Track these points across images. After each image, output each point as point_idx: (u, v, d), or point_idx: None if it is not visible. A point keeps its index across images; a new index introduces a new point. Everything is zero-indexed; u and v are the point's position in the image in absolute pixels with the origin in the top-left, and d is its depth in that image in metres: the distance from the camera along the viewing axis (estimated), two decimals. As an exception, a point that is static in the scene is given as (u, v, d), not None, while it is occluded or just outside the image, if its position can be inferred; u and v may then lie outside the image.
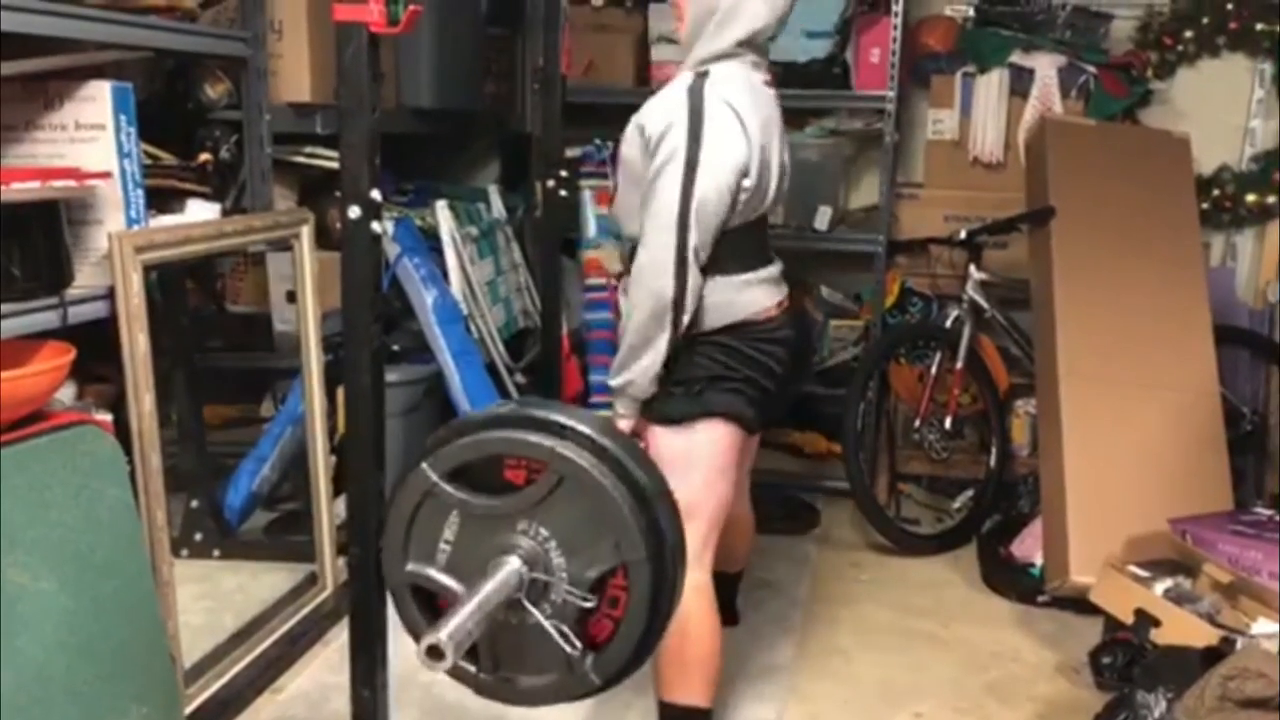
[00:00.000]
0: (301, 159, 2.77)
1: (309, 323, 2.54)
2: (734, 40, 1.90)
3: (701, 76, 1.89)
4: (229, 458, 3.09)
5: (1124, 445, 2.87)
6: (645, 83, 3.66)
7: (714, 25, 1.90)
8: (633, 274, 1.92)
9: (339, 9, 1.59)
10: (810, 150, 3.60)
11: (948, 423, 3.30)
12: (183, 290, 2.83)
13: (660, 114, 1.88)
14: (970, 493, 3.35)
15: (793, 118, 3.68)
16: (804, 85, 3.48)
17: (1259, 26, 3.59)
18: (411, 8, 1.63)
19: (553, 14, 2.71)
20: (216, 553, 2.85)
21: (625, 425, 1.94)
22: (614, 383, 1.95)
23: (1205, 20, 3.61)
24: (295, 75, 2.54)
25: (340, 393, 2.76)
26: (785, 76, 3.55)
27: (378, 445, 1.68)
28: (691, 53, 1.94)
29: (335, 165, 2.80)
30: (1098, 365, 2.95)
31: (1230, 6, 3.60)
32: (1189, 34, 3.63)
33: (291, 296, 3.52)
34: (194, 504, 2.85)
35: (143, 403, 1.98)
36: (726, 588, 2.41)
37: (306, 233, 2.53)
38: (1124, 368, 2.96)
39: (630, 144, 1.96)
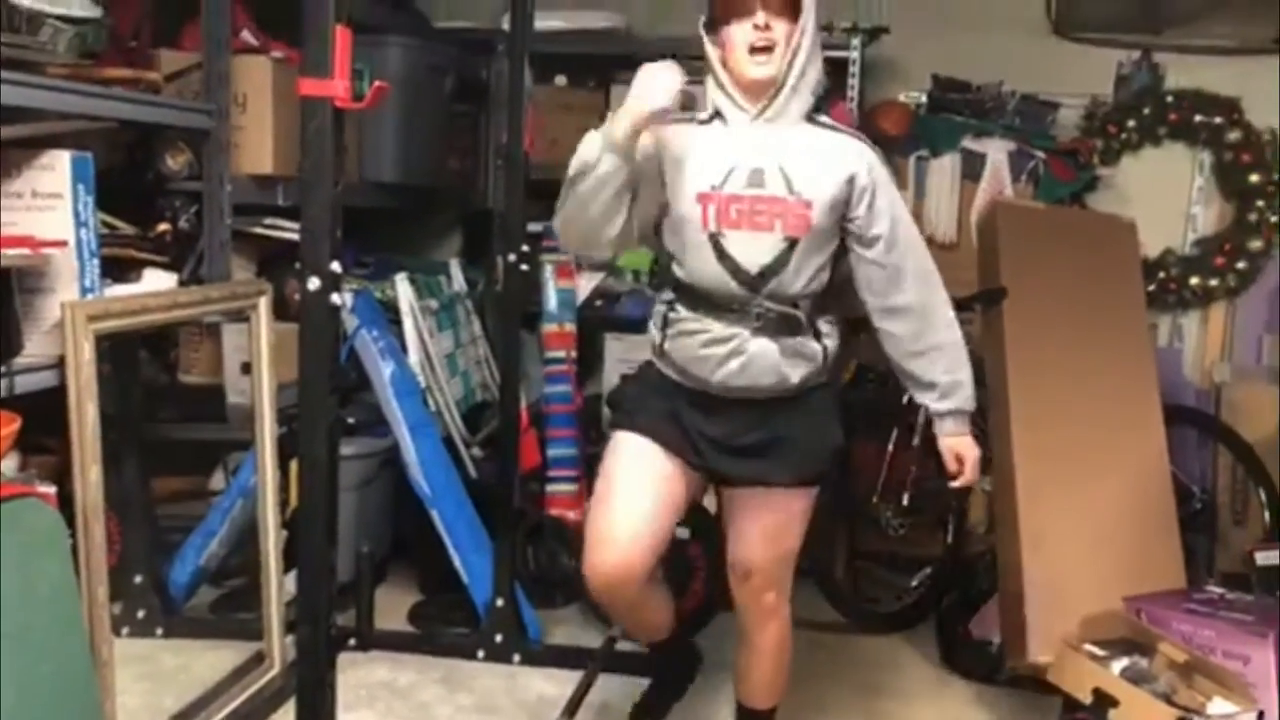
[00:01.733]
0: (261, 230, 2.78)
1: (264, 394, 2.51)
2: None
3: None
4: (175, 532, 3.02)
5: (1079, 524, 2.89)
6: (607, 160, 3.73)
7: (818, 79, 1.96)
8: (943, 301, 2.04)
9: (304, 84, 1.61)
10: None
11: (905, 499, 3.32)
12: (135, 361, 2.80)
13: (864, 162, 1.95)
14: (928, 570, 3.35)
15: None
16: (764, 166, 3.59)
17: (1196, 118, 3.75)
18: (377, 85, 1.66)
19: (517, 93, 2.77)
20: (160, 630, 2.77)
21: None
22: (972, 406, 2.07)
23: (1146, 111, 3.77)
24: (258, 147, 2.55)
25: (294, 466, 2.74)
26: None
27: (331, 519, 1.66)
28: (809, 95, 1.96)
29: (296, 237, 2.82)
30: (1051, 444, 2.98)
31: (1169, 99, 3.77)
32: (1131, 123, 3.78)
33: (246, 368, 3.50)
34: (137, 580, 2.77)
35: (89, 475, 1.94)
36: None
37: (264, 304, 2.52)
38: (1077, 447, 3.00)
39: (828, 197, 1.94)
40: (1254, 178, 3.73)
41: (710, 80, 1.96)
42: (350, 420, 3.07)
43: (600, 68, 3.74)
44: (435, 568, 3.09)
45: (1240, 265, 3.77)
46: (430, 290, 3.46)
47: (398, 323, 3.22)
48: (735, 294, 1.93)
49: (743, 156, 1.91)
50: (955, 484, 2.10)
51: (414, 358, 3.19)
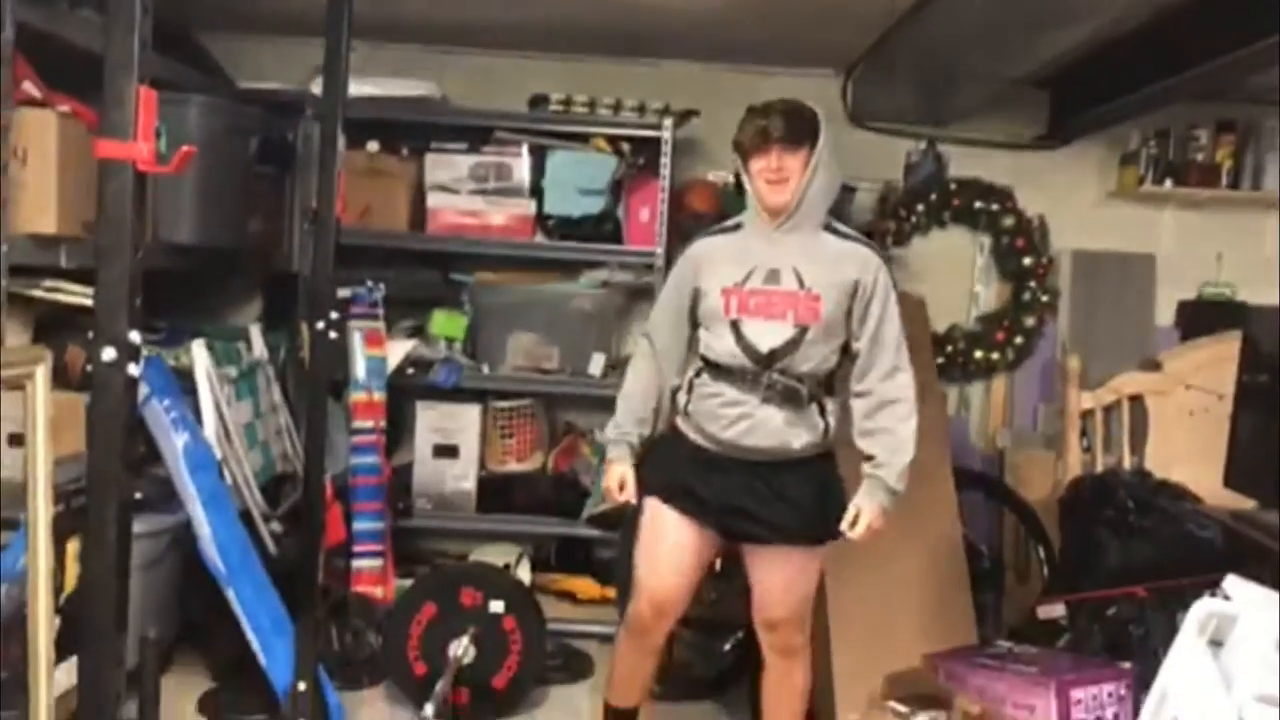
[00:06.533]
0: (40, 293, 2.62)
1: (39, 469, 2.34)
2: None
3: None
4: (-74, 625, 2.74)
5: (879, 587, 3.07)
6: (421, 227, 3.74)
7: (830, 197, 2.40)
8: (905, 397, 2.41)
9: (102, 145, 1.56)
10: (584, 300, 3.77)
11: (717, 565, 3.41)
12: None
13: (870, 268, 2.37)
14: (740, 634, 3.45)
15: (567, 268, 3.87)
16: (579, 238, 3.71)
17: (976, 204, 4.14)
18: (185, 149, 1.63)
19: (329, 157, 2.74)
20: (-96, 738, 2.49)
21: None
22: (903, 487, 2.40)
23: (932, 196, 4.12)
24: (40, 205, 2.41)
25: (70, 547, 2.56)
26: (561, 229, 3.75)
27: (121, 604, 1.57)
28: (823, 209, 2.39)
29: (79, 300, 2.68)
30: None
31: (952, 186, 4.14)
32: (920, 207, 4.13)
33: (14, 440, 3.26)
34: (-121, 681, 2.50)
35: None
36: None
37: (42, 373, 2.35)
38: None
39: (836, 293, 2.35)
40: (1026, 260, 4.14)
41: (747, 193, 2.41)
42: (138, 495, 2.89)
43: (414, 135, 3.77)
44: (227, 650, 2.94)
45: (1018, 340, 4.17)
46: (228, 357, 3.34)
47: (192, 391, 3.09)
48: (748, 368, 2.35)
49: (763, 259, 2.36)
50: (850, 534, 2.41)
51: (210, 428, 3.06)
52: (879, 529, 2.40)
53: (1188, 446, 3.78)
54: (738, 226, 2.47)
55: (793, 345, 2.34)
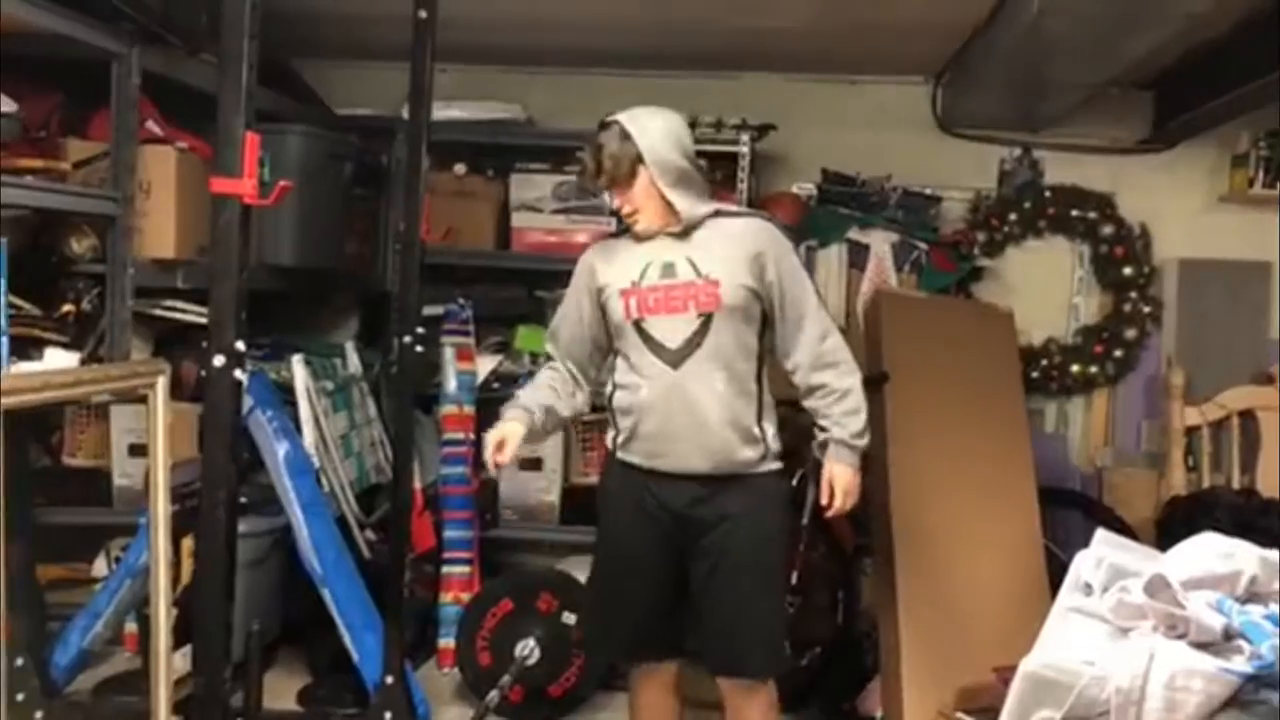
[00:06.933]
0: (160, 312, 3.08)
1: (160, 470, 2.79)
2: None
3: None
4: (52, 620, 3.23)
5: (955, 599, 3.29)
6: (506, 246, 4.13)
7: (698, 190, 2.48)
8: (842, 358, 2.52)
9: (216, 182, 1.98)
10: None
11: (794, 579, 3.68)
12: (26, 444, 3.05)
13: (765, 236, 2.48)
14: (818, 649, 3.70)
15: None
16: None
17: (1074, 213, 4.30)
18: (281, 184, 2.03)
19: (414, 181, 3.15)
20: (39, 715, 2.96)
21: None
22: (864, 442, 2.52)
23: (1027, 205, 4.31)
24: (161, 233, 2.88)
25: (185, 544, 3.01)
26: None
27: (229, 592, 1.95)
28: (692, 205, 2.46)
29: (194, 319, 3.14)
30: (930, 524, 3.39)
31: (1048, 194, 4.31)
32: (1013, 216, 4.32)
33: (135, 450, 3.76)
34: (19, 663, 2.98)
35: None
36: None
37: (162, 383, 2.80)
38: (954, 526, 3.42)
39: (735, 273, 2.44)
40: (1127, 270, 4.28)
41: None
42: (242, 499, 3.34)
43: (499, 156, 4.16)
44: (325, 649, 3.36)
45: (1118, 354, 4.30)
46: (326, 372, 3.78)
47: (293, 404, 3.53)
48: (662, 370, 2.43)
49: (656, 254, 2.47)
50: (828, 513, 2.55)
51: (308, 438, 3.49)
52: (855, 486, 2.53)
53: (1304, 465, 3.87)
54: (628, 229, 2.55)
55: (699, 336, 2.42)
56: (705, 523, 2.48)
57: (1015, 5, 3.15)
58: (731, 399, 2.44)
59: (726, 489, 2.47)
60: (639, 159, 2.40)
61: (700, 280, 2.42)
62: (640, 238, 2.50)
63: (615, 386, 2.55)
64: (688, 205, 2.44)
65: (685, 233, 2.47)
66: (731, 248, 2.45)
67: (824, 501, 2.54)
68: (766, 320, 2.51)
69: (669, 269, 2.45)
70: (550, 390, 2.62)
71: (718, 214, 2.51)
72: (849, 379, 2.53)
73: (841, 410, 2.51)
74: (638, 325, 2.46)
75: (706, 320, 2.42)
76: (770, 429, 2.52)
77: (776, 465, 2.55)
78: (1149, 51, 3.37)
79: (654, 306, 2.44)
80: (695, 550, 2.50)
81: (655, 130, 2.42)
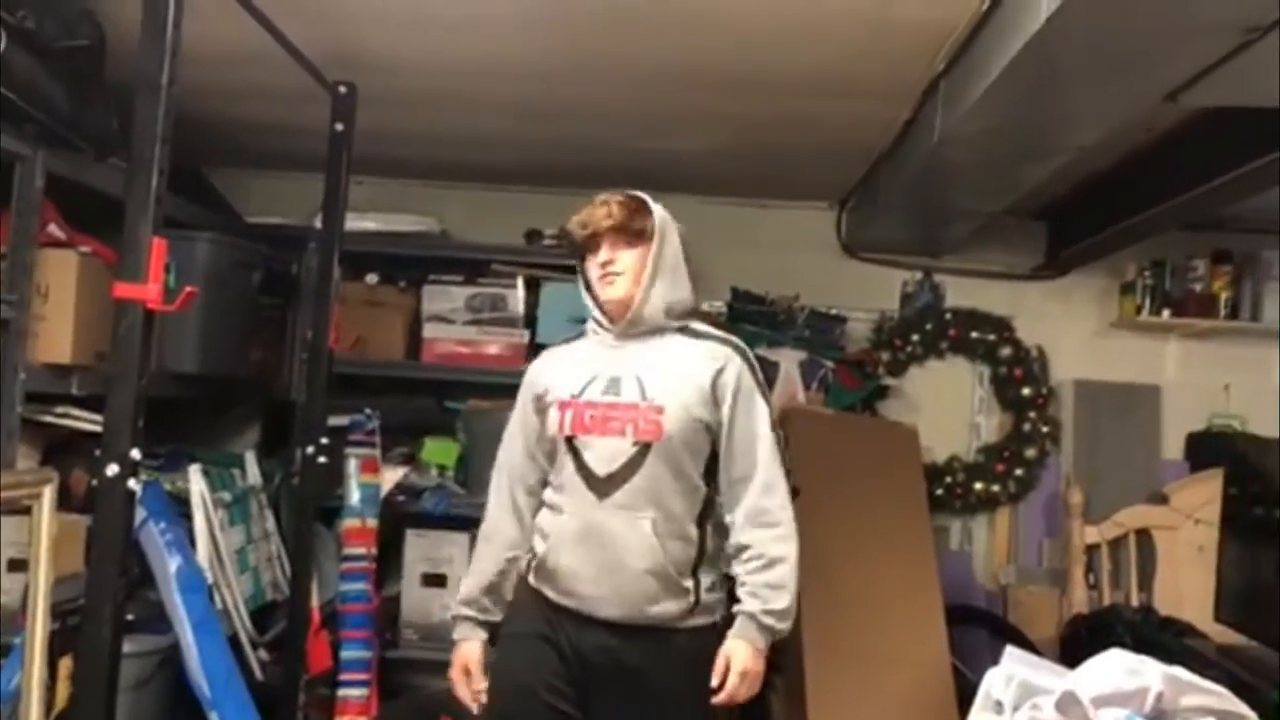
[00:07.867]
0: (51, 419, 2.98)
1: (40, 587, 2.66)
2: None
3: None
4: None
5: (865, 717, 3.29)
6: (417, 357, 4.11)
7: (680, 301, 2.28)
8: (783, 519, 2.21)
9: (119, 287, 1.95)
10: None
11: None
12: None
13: (732, 365, 2.23)
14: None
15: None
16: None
17: (973, 334, 4.46)
18: (187, 290, 2.01)
19: (325, 289, 3.14)
20: None
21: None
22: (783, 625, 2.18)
23: (928, 326, 4.46)
24: (57, 337, 2.80)
25: (63, 665, 2.85)
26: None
27: (110, 705, 1.87)
28: (666, 309, 2.25)
29: (87, 426, 3.04)
30: (839, 640, 3.41)
31: (949, 316, 4.47)
32: (915, 337, 4.47)
33: (13, 565, 3.58)
34: None
35: None
36: None
37: (49, 493, 2.70)
38: (864, 644, 3.43)
39: (684, 402, 2.20)
40: (1026, 390, 4.44)
41: (587, 301, 2.33)
42: (129, 616, 3.20)
43: (412, 268, 4.18)
44: (210, 779, 3.18)
45: (1019, 472, 4.43)
46: (224, 482, 3.67)
47: (187, 516, 3.41)
48: (587, 498, 2.18)
49: (603, 366, 2.25)
50: (715, 698, 2.16)
51: (203, 553, 3.37)
52: (756, 674, 2.18)
53: (1198, 582, 3.98)
54: (580, 335, 2.38)
55: (632, 467, 2.16)
56: (609, 675, 2.21)
57: (916, 135, 3.31)
58: (662, 542, 2.16)
59: (638, 641, 2.20)
60: (650, 229, 2.23)
61: (643, 404, 2.17)
62: (590, 343, 2.32)
63: (542, 502, 2.34)
64: (659, 300, 2.22)
65: (643, 337, 2.25)
66: (688, 371, 2.22)
67: (714, 682, 2.15)
68: (718, 458, 2.25)
69: (613, 385, 2.21)
70: (490, 564, 2.38)
71: (685, 329, 2.28)
72: (783, 547, 2.19)
73: (763, 581, 2.17)
74: (569, 443, 2.22)
75: (644, 450, 2.16)
76: (707, 579, 2.23)
77: (705, 620, 2.23)
78: (1043, 181, 3.56)
79: (589, 425, 2.20)
80: (596, 704, 2.24)
81: (672, 224, 2.27)
